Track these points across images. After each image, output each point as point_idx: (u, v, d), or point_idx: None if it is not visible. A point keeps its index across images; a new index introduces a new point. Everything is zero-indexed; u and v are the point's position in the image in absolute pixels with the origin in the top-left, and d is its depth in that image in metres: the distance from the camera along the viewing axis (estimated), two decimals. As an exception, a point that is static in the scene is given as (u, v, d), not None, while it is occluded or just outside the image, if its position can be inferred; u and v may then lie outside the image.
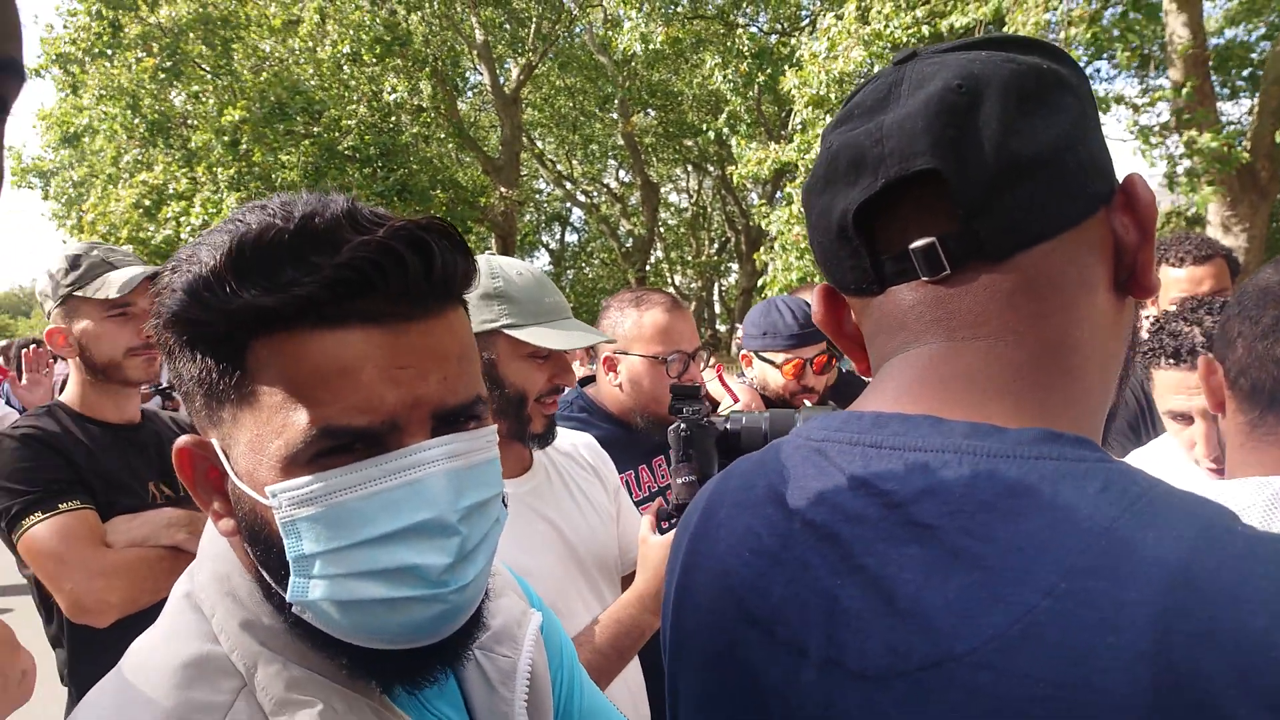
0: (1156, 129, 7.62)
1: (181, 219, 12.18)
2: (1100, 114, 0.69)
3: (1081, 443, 0.52)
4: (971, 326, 0.57)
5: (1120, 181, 0.60)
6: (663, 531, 1.49)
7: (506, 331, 1.45)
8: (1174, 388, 1.65)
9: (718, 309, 26.44)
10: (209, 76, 13.08)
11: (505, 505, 0.75)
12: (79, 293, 1.69)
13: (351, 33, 12.91)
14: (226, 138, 12.46)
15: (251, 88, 12.67)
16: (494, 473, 0.71)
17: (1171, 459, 1.81)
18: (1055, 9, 7.30)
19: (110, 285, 1.68)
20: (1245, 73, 15.04)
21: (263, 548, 0.66)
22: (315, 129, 12.97)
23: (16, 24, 0.46)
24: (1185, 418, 1.65)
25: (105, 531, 1.58)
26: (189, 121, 13.25)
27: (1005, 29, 7.57)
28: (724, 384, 2.37)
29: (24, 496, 1.53)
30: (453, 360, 0.66)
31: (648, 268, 21.76)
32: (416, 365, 0.63)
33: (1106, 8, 7.21)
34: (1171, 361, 1.64)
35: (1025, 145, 0.55)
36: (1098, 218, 0.58)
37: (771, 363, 2.32)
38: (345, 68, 13.33)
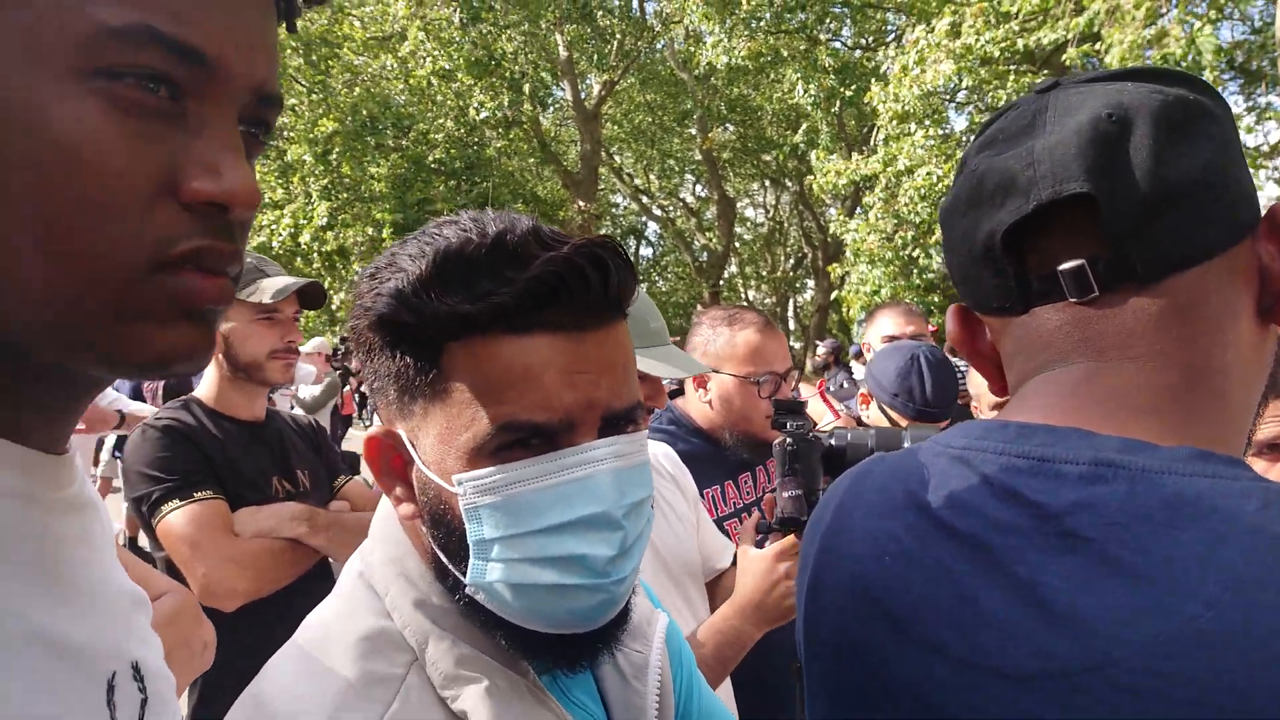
0: (1266, 149, 7.27)
1: (274, 227, 12.70)
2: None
3: (1234, 462, 0.53)
4: (1120, 348, 0.59)
5: (1265, 211, 0.61)
6: (761, 545, 1.50)
7: None
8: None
9: (792, 325, 26.19)
10: (305, 91, 13.63)
11: (652, 509, 0.79)
12: None
13: (443, 51, 13.32)
14: (319, 149, 12.97)
15: (344, 102, 13.17)
16: (648, 474, 0.76)
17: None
18: (1153, 24, 7.06)
19: (264, 291, 1.78)
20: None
21: (444, 532, 0.72)
22: (404, 142, 13.39)
23: (276, 58, 0.53)
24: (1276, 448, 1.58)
25: (233, 521, 1.68)
26: (285, 134, 13.85)
27: (1101, 44, 7.36)
28: (825, 401, 2.36)
29: (164, 484, 1.64)
30: (620, 368, 0.72)
31: (722, 282, 21.73)
32: (591, 371, 0.69)
33: (1206, 25, 6.93)
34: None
35: (1174, 173, 0.57)
36: (1243, 245, 0.60)
37: (891, 421, 2.28)
38: (434, 83, 13.73)
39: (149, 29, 0.44)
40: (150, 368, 0.48)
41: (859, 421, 2.33)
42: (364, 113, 13.02)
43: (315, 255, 12.77)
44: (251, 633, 1.60)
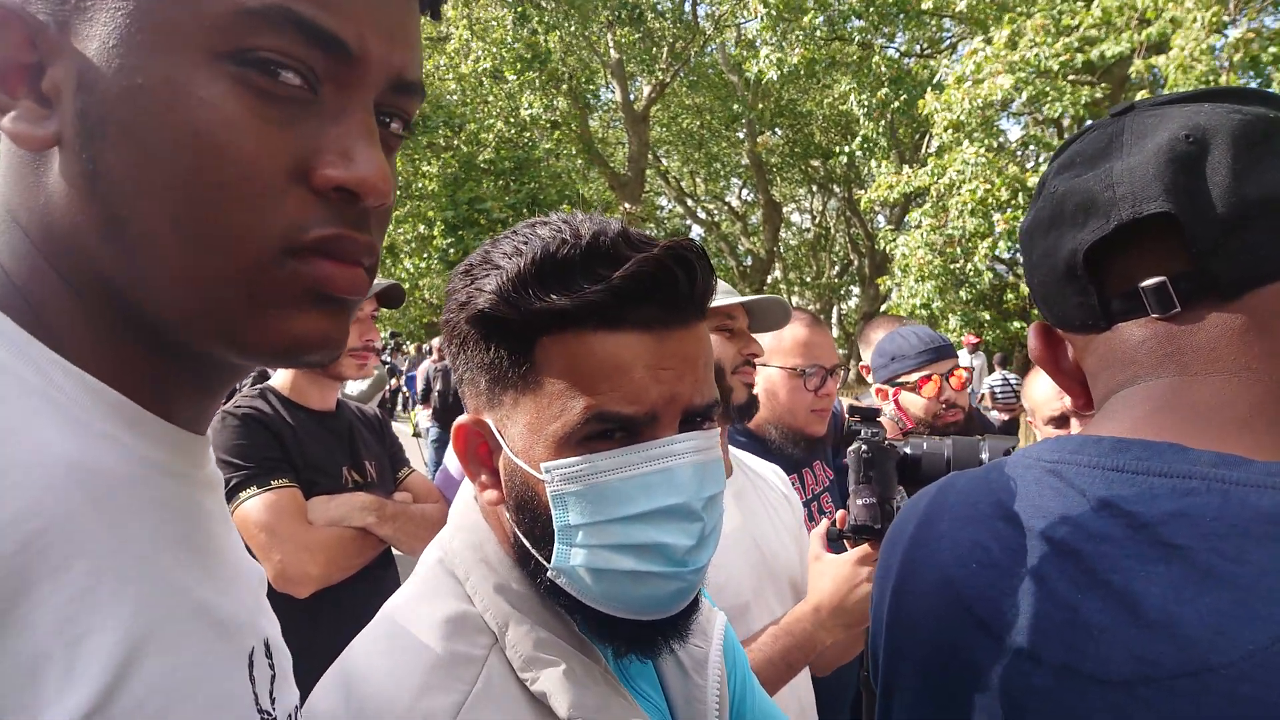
0: None
1: (327, 224, 12.92)
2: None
3: None
4: (1205, 362, 0.60)
5: None
6: (834, 551, 1.49)
7: None
8: None
9: (836, 332, 25.98)
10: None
11: (723, 504, 0.81)
12: None
13: (494, 50, 13.47)
14: (372, 148, 13.19)
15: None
16: (722, 470, 0.78)
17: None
18: (1223, 30, 6.87)
19: None
20: None
21: (529, 517, 0.74)
22: (456, 142, 13.55)
23: (418, 46, 0.53)
24: None
25: (307, 509, 1.72)
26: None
27: (1166, 55, 7.18)
28: (900, 410, 2.34)
29: (242, 470, 1.68)
30: (701, 366, 0.75)
31: (765, 287, 21.63)
32: (675, 368, 0.72)
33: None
34: None
35: (1255, 189, 0.58)
36: None
37: (906, 386, 2.28)
38: (485, 83, 13.88)
39: (288, 11, 0.43)
40: (282, 355, 0.48)
41: (903, 432, 2.33)
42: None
43: (366, 253, 13.00)
44: (323, 619, 1.64)
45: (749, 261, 22.35)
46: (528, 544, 0.75)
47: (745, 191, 24.55)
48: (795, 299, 25.31)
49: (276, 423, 1.79)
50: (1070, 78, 8.34)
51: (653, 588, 0.73)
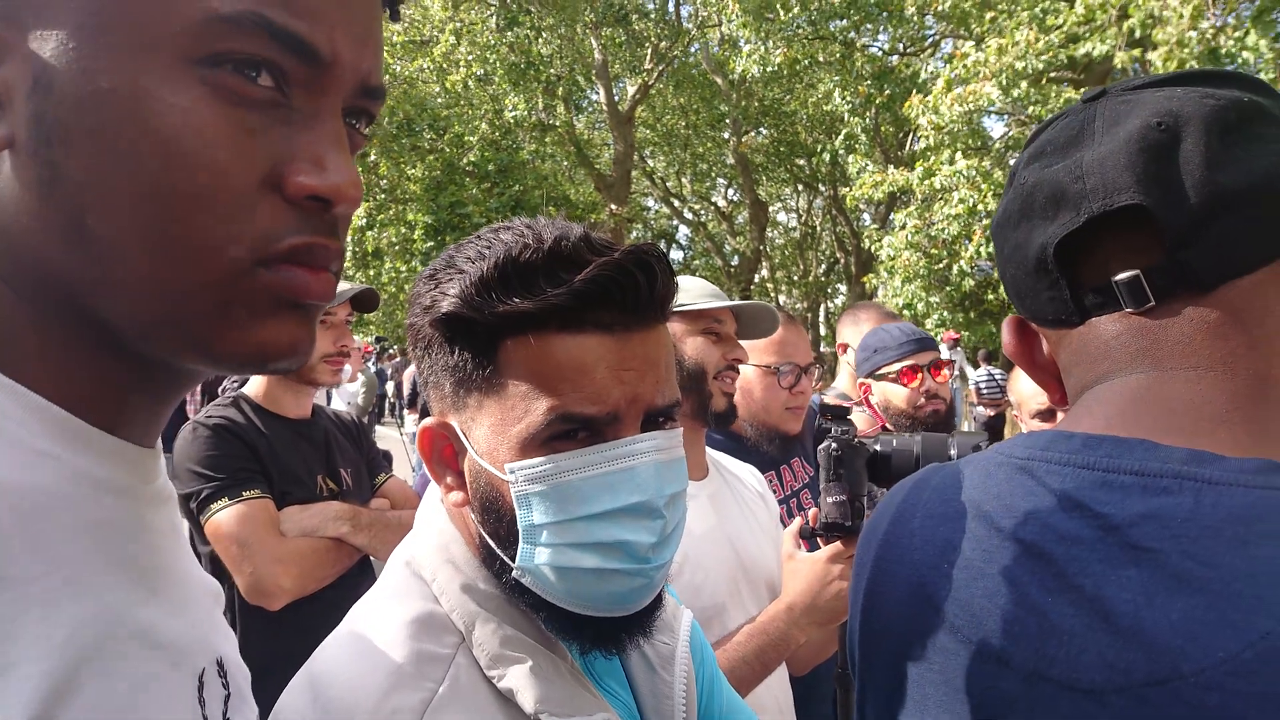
0: None
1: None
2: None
3: None
4: (1180, 357, 0.58)
5: None
6: (808, 549, 1.50)
7: (679, 309, 1.57)
8: None
9: (823, 330, 26.03)
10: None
11: (685, 503, 0.82)
12: None
13: (480, 54, 13.43)
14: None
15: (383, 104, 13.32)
16: (685, 469, 0.80)
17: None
18: (1201, 25, 6.92)
19: None
20: None
21: (494, 518, 0.76)
22: (440, 145, 13.51)
23: (382, 48, 0.53)
24: None
25: (280, 520, 1.71)
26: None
27: (1150, 50, 7.23)
28: (870, 407, 2.36)
29: (213, 482, 1.67)
30: (662, 367, 0.76)
31: (753, 286, 21.65)
32: (637, 369, 0.74)
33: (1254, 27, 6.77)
34: None
35: (1229, 178, 0.56)
36: None
37: (888, 377, 2.30)
38: (470, 85, 13.84)
39: (260, 17, 0.43)
40: (251, 363, 0.48)
41: (885, 428, 2.35)
42: (400, 115, 13.15)
43: (349, 256, 12.92)
44: (294, 631, 1.63)
45: (736, 261, 22.37)
46: (493, 544, 0.77)
47: (731, 191, 24.56)
48: (782, 298, 25.35)
49: (249, 432, 1.77)
50: (1053, 75, 8.38)
51: (616, 585, 0.74)
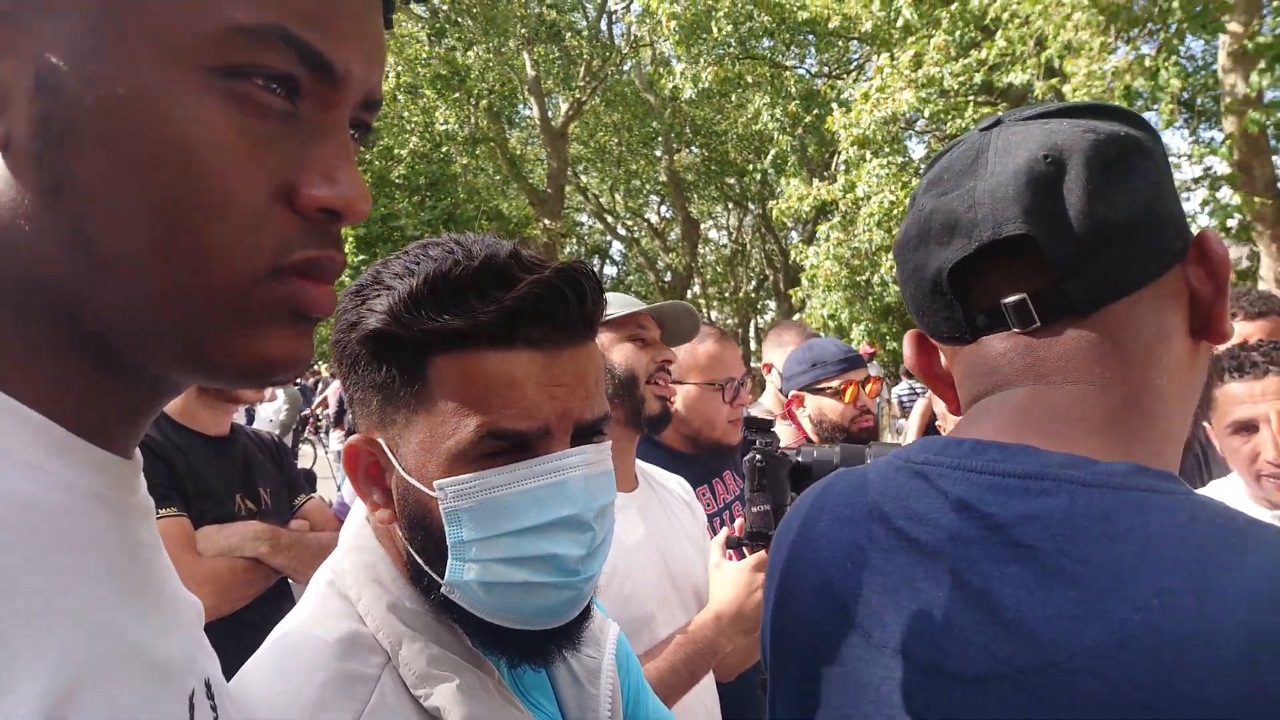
0: (1191, 182, 7.59)
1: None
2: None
3: (1168, 477, 0.57)
4: (1062, 373, 0.63)
5: (1194, 236, 0.66)
6: (735, 559, 1.53)
7: (603, 320, 1.59)
8: (1239, 399, 1.70)
9: (754, 345, 26.41)
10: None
11: (614, 515, 0.84)
12: None
13: (407, 66, 13.30)
14: (281, 164, 12.83)
15: (309, 116, 13.05)
16: (613, 482, 0.81)
17: (1231, 498, 1.82)
18: (1107, 60, 7.29)
19: None
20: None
21: (422, 534, 0.75)
22: (368, 157, 13.31)
23: (385, 60, 0.52)
24: (1250, 427, 1.68)
25: (196, 539, 1.66)
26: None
27: (1063, 81, 7.58)
28: (794, 419, 2.42)
29: (125, 501, 1.60)
30: (591, 382, 0.77)
31: (685, 302, 21.85)
32: (567, 384, 0.74)
33: (1164, 62, 7.18)
34: (1235, 375, 1.70)
35: (1109, 210, 0.61)
36: (1174, 272, 0.64)
37: (826, 391, 2.37)
38: (400, 98, 13.69)
39: (282, 30, 0.42)
40: (254, 375, 0.47)
41: (819, 431, 2.42)
42: (327, 126, 12.92)
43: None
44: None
45: (669, 277, 22.56)
46: (421, 561, 0.76)
47: (664, 208, 24.79)
48: (714, 313, 25.64)
49: (165, 448, 1.72)
50: (971, 97, 8.73)
51: (545, 598, 0.75)
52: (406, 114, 14.09)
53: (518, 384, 0.72)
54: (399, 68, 13.37)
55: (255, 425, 6.31)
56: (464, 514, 0.72)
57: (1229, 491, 1.87)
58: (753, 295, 25.29)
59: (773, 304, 23.72)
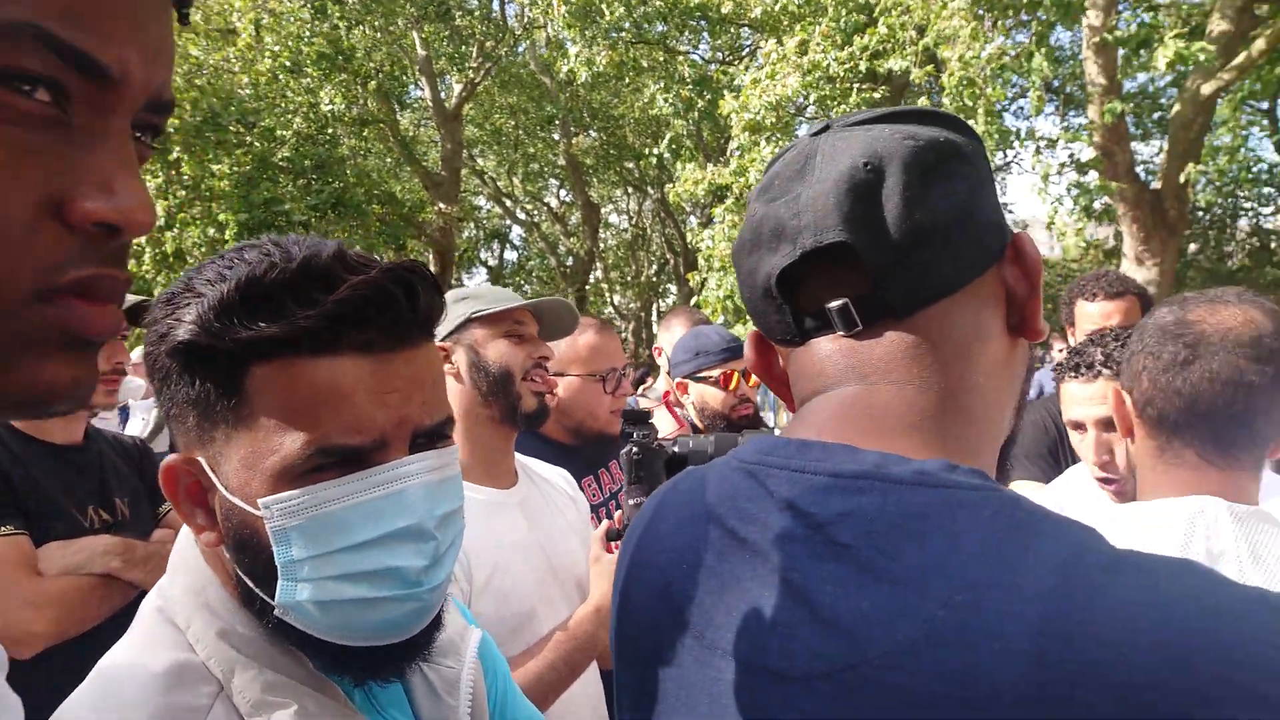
0: (1057, 168, 8.07)
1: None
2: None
3: (976, 474, 0.59)
4: (882, 374, 0.65)
5: (1011, 236, 0.69)
6: (615, 550, 1.53)
7: (478, 316, 1.59)
8: (1074, 399, 1.81)
9: (656, 330, 26.61)
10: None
11: (462, 519, 0.81)
12: None
13: (291, 45, 12.70)
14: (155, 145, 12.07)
15: (184, 95, 12.31)
16: (459, 486, 0.78)
17: (1086, 485, 1.93)
18: (981, 50, 7.61)
19: None
20: (1156, 115, 15.95)
21: (250, 556, 0.71)
22: (249, 139, 12.67)
23: (174, 58, 0.48)
24: (1081, 427, 1.80)
25: (38, 557, 1.54)
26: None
27: (940, 68, 7.87)
28: (670, 410, 2.45)
29: (-45, 519, 1.48)
30: (429, 385, 0.74)
31: (587, 287, 21.80)
32: (402, 390, 0.71)
33: (1034, 50, 7.55)
34: (1073, 374, 1.80)
35: (926, 216, 0.62)
36: (992, 273, 0.66)
37: (708, 380, 2.40)
38: (282, 78, 13.07)
39: (35, 29, 0.38)
40: (29, 407, 0.43)
41: (701, 418, 2.46)
42: (205, 107, 12.22)
43: (147, 257, 11.84)
44: (52, 678, 1.47)
45: (570, 262, 22.44)
46: (250, 583, 0.72)
47: (564, 192, 24.62)
48: (617, 298, 25.69)
49: (4, 461, 1.59)
50: (855, 84, 8.97)
51: (387, 612, 0.72)
52: (290, 94, 13.47)
53: (345, 393, 0.68)
54: (277, 47, 12.75)
55: (130, 425, 5.96)
56: (293, 532, 0.69)
57: (1083, 481, 1.99)
58: (654, 280, 25.45)
59: (674, 288, 23.94)
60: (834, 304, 0.65)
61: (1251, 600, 0.49)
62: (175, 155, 12.06)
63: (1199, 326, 1.11)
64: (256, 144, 12.67)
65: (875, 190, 0.63)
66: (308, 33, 12.80)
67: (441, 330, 1.63)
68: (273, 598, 0.71)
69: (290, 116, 13.18)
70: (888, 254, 0.62)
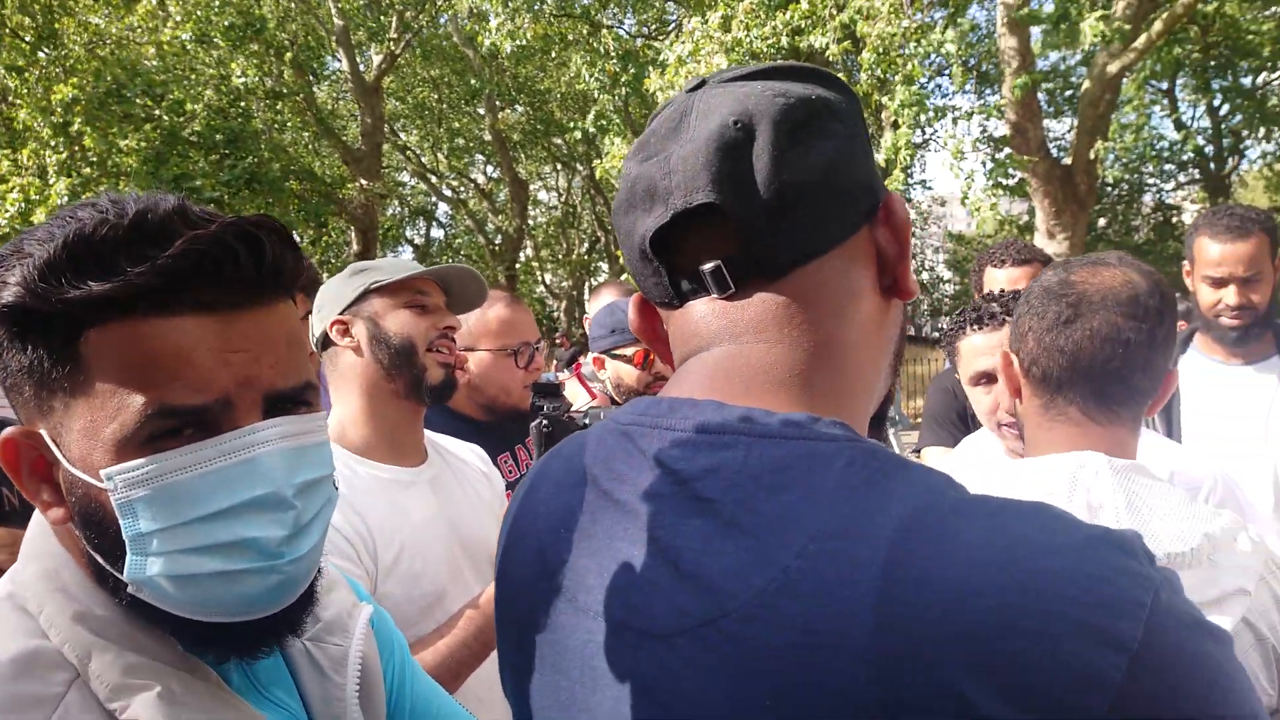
0: (971, 143, 8.30)
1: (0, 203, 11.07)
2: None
3: (838, 424, 0.59)
4: (754, 334, 0.65)
5: (883, 197, 0.69)
6: None
7: (377, 286, 1.56)
8: (980, 350, 1.83)
9: (588, 309, 26.53)
10: (29, 49, 11.92)
11: (336, 488, 0.79)
12: None
13: (199, 14, 12.13)
14: (56, 119, 11.40)
15: (85, 66, 11.66)
16: (326, 455, 0.76)
17: (989, 447, 1.99)
18: (898, 26, 7.74)
19: None
20: (1068, 94, 16.52)
21: (97, 531, 0.68)
22: (157, 112, 12.08)
23: None
24: (991, 378, 1.82)
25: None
26: (9, 99, 12.07)
27: (861, 46, 7.98)
28: (582, 382, 2.44)
29: None
30: (282, 346, 0.71)
31: (518, 266, 21.56)
32: (248, 350, 0.68)
33: (947, 27, 7.73)
34: (975, 326, 1.83)
35: (795, 174, 0.62)
36: (863, 233, 0.67)
37: (623, 358, 2.40)
38: (190, 49, 12.49)
39: None
40: None
41: (617, 392, 2.45)
42: (109, 79, 11.59)
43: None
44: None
45: (499, 240, 22.15)
46: (101, 560, 0.69)
47: (490, 168, 24.24)
48: (548, 277, 25.50)
49: None
50: (778, 61, 9.04)
51: (247, 586, 0.69)
52: (200, 66, 12.88)
53: (185, 353, 0.65)
54: (181, 16, 12.15)
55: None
56: (139, 504, 0.65)
57: (984, 444, 2.05)
58: (585, 258, 25.32)
59: (605, 266, 23.88)
60: (707, 266, 0.65)
61: (1095, 536, 0.50)
62: (78, 129, 11.44)
63: (1080, 287, 1.15)
64: (165, 118, 12.08)
65: (744, 149, 0.62)
66: (216, 2, 12.24)
67: (340, 303, 1.58)
68: (124, 574, 0.68)
69: (200, 89, 12.61)
70: (757, 214, 0.62)
